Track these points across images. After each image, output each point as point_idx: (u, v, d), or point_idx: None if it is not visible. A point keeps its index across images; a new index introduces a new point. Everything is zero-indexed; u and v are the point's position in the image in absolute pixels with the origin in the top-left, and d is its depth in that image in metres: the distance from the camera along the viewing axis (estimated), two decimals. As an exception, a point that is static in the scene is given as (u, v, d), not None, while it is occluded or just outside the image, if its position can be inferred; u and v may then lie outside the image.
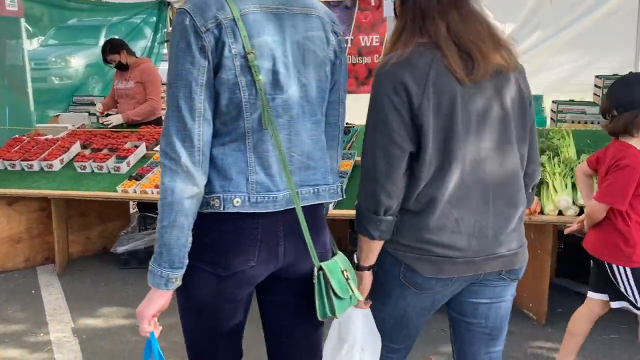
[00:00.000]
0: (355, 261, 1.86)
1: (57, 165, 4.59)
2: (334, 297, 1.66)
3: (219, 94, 1.59)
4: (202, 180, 1.58)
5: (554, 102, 5.84)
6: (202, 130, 1.57)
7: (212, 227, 1.62)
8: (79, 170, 4.54)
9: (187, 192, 1.55)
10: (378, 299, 1.89)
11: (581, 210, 3.37)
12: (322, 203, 1.76)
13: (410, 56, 1.68)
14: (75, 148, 4.81)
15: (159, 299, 1.63)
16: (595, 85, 5.68)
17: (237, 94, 1.58)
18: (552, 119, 5.86)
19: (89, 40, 10.02)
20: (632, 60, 6.13)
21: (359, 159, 4.36)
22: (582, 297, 3.98)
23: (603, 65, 6.23)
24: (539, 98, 5.93)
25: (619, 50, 6.23)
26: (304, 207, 1.67)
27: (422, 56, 1.67)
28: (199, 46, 1.54)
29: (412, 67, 1.66)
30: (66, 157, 4.70)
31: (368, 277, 1.85)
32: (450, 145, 1.69)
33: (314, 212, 1.73)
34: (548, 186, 3.49)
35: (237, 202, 1.59)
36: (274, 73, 1.61)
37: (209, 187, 1.61)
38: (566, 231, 3.06)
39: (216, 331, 1.77)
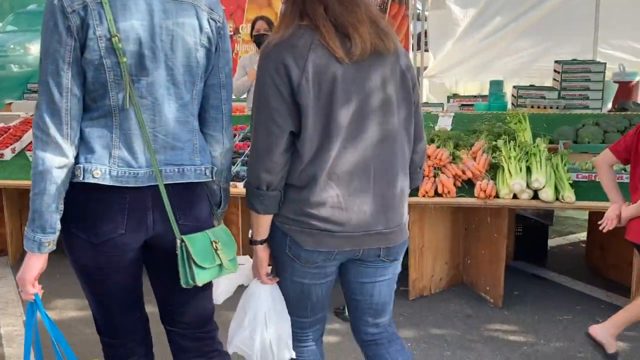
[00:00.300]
0: (249, 236, 1.96)
1: (8, 154, 4.44)
2: (194, 267, 1.78)
3: (85, 73, 1.68)
4: (70, 152, 1.68)
5: (514, 87, 5.88)
6: (69, 105, 1.67)
7: (81, 196, 1.73)
8: (31, 159, 4.39)
9: (57, 162, 1.66)
10: (279, 274, 1.99)
11: (535, 194, 3.39)
12: (200, 182, 1.87)
13: (290, 37, 1.76)
14: (28, 137, 4.66)
15: (36, 262, 1.74)
16: (555, 71, 5.74)
17: (102, 74, 1.68)
18: (512, 103, 5.91)
19: (49, 26, 9.71)
20: (591, 45, 6.22)
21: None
22: (539, 280, 4.05)
23: (562, 51, 6.30)
24: (499, 83, 5.97)
25: (577, 36, 6.31)
26: (172, 185, 1.79)
27: (302, 37, 1.75)
28: (66, 26, 1.62)
29: (292, 48, 1.73)
30: (18, 146, 4.55)
31: (261, 251, 1.93)
32: (331, 125, 1.76)
33: (183, 189, 1.83)
34: (503, 170, 3.51)
35: (98, 174, 1.70)
36: (140, 56, 1.70)
37: (76, 158, 1.71)
38: (605, 229, 2.92)
39: (104, 295, 1.90)
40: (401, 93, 1.85)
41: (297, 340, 2.09)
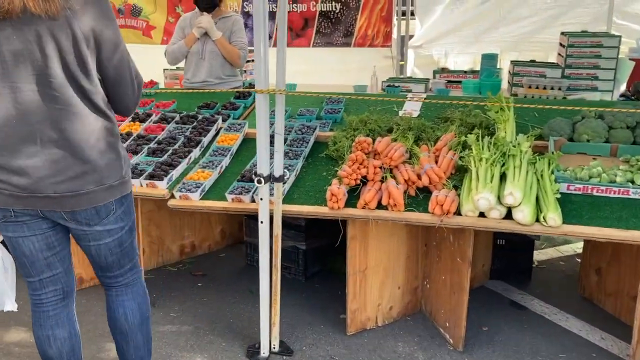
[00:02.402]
0: None
1: None
2: None
3: None
4: None
5: (511, 62, 4.99)
6: None
7: None
8: None
9: None
10: None
11: (509, 212, 2.54)
12: None
13: None
14: None
15: None
16: (560, 44, 4.83)
17: None
18: (508, 82, 5.02)
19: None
20: (605, 14, 5.25)
21: (250, 131, 3.48)
22: (517, 310, 3.23)
23: (570, 21, 5.35)
24: (493, 57, 5.06)
25: (589, 3, 5.33)
26: None
27: None
28: None
29: None
30: None
31: None
32: None
33: None
34: (470, 177, 2.65)
35: None
36: None
37: None
38: None
39: None
40: (73, 57, 1.82)
41: (34, 304, 2.16)
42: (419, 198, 2.74)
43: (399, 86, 5.17)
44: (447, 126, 3.23)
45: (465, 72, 5.34)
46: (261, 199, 2.59)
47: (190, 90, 4.07)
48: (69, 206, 1.94)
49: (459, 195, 2.65)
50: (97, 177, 1.94)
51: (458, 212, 2.60)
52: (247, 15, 6.17)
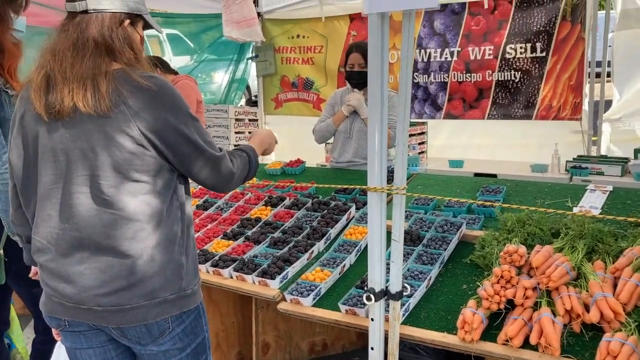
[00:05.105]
0: None
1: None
2: None
3: None
4: None
5: None
6: None
7: None
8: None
9: None
10: None
11: None
12: None
13: (26, 85, 1.79)
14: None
15: None
16: None
17: None
18: None
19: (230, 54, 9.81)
20: None
21: (390, 223, 3.04)
22: None
23: None
24: None
25: None
26: None
27: (27, 89, 1.76)
28: None
29: (21, 100, 1.80)
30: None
31: None
32: (39, 187, 1.77)
33: None
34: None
35: None
36: None
37: None
38: None
39: None
40: (130, 160, 1.69)
41: None
42: (585, 338, 2.02)
43: (586, 167, 4.36)
44: (638, 234, 2.44)
45: (678, 152, 4.34)
46: (371, 319, 2.11)
47: (315, 185, 3.59)
48: (114, 322, 1.75)
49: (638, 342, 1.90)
50: (145, 290, 1.73)
51: (642, 368, 1.84)
52: (417, 86, 5.82)
